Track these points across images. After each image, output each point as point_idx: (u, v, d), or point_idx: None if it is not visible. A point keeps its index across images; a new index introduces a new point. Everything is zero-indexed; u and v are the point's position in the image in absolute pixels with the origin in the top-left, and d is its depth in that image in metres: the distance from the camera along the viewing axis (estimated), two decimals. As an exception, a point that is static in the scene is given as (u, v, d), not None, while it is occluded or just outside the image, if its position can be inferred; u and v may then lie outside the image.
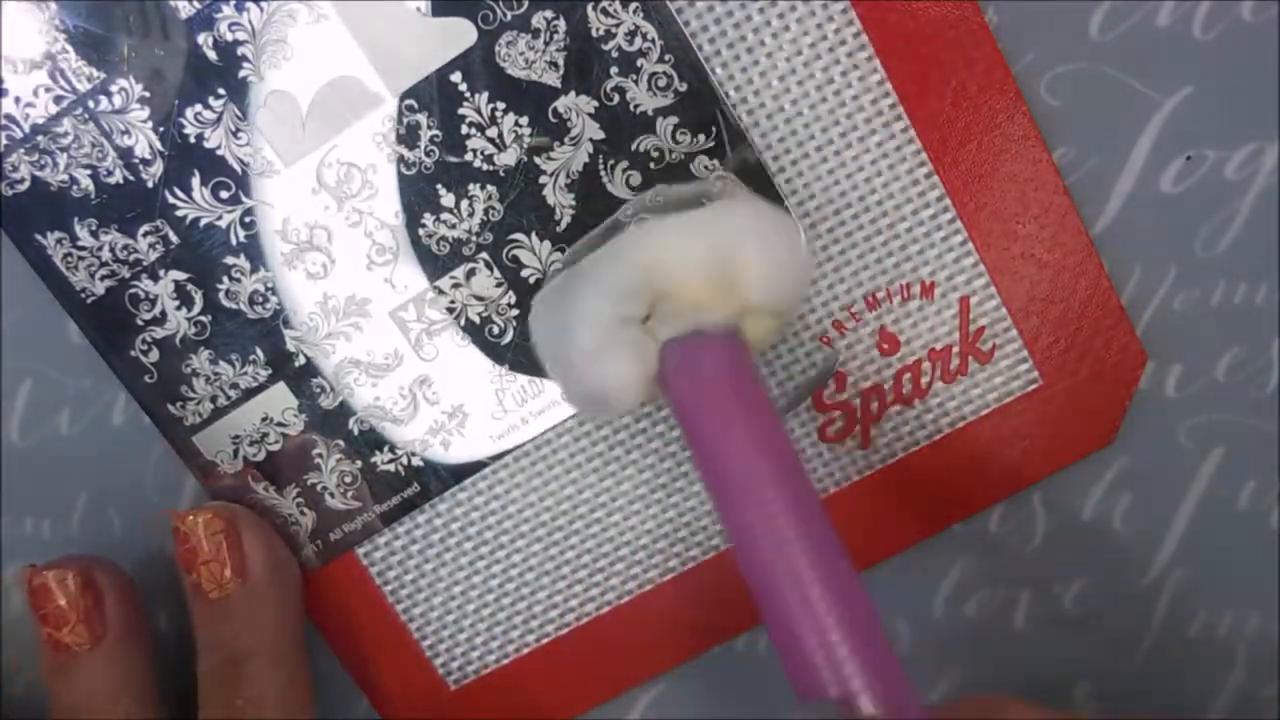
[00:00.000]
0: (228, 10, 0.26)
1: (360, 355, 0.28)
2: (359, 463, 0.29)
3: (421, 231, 0.27)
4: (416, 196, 0.27)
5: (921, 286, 0.28)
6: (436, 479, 0.29)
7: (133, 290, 0.28)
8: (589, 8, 0.26)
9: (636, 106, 0.26)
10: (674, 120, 0.26)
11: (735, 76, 0.26)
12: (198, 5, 0.26)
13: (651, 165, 0.26)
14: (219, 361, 0.28)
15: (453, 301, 0.28)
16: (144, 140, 0.26)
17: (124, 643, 0.27)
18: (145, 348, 0.28)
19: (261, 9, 0.26)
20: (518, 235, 0.27)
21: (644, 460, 0.29)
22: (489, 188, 0.27)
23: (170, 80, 0.26)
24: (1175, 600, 0.31)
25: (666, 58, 0.26)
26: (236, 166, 0.27)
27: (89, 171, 0.27)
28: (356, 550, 0.30)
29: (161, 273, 0.27)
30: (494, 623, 0.30)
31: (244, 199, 0.27)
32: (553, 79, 0.26)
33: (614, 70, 0.26)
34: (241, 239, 0.27)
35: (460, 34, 0.26)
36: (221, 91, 0.26)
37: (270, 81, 0.26)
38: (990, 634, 0.31)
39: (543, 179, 0.27)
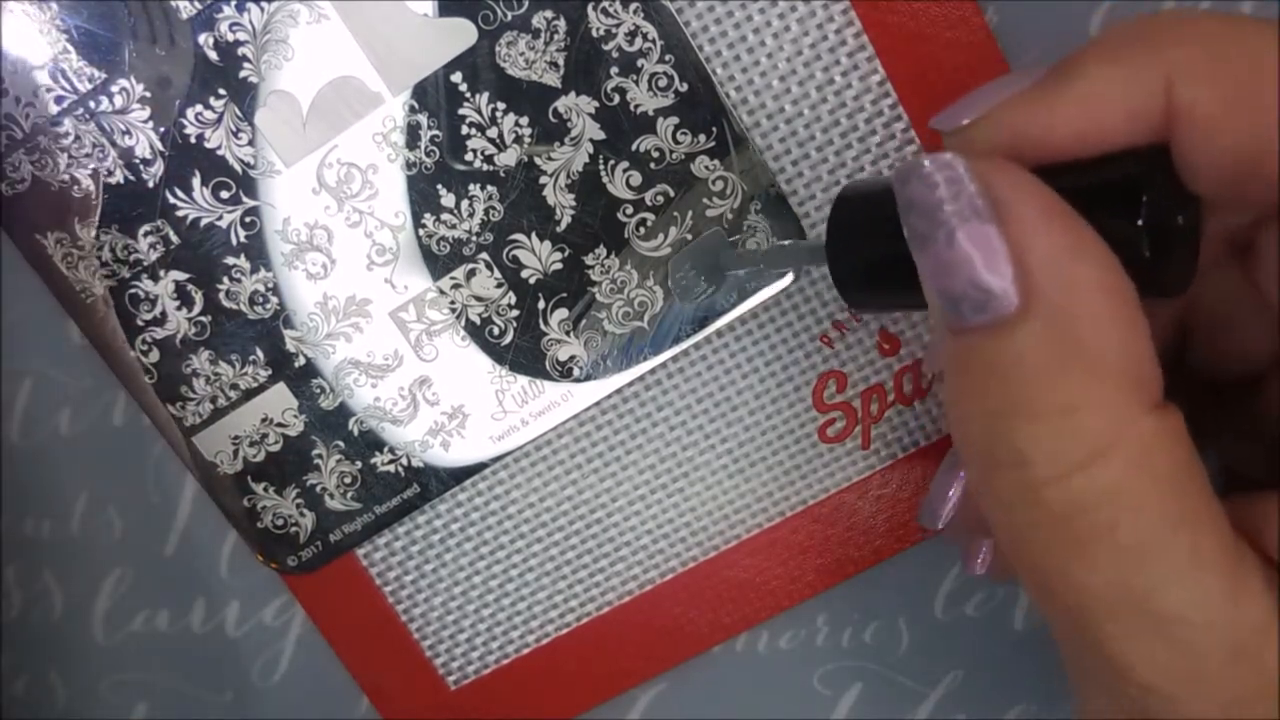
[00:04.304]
0: (229, 10, 0.26)
1: (360, 356, 0.28)
2: (359, 464, 0.29)
3: (422, 232, 0.27)
4: (417, 196, 0.27)
5: (921, 286, 0.28)
6: (436, 480, 0.29)
7: (133, 290, 0.28)
8: (589, 8, 0.26)
9: (637, 106, 0.26)
10: (674, 120, 0.26)
11: (735, 76, 0.26)
12: (199, 6, 0.26)
13: (652, 165, 0.26)
14: (219, 362, 0.28)
15: (453, 302, 0.28)
16: (145, 140, 0.26)
17: None
18: (145, 348, 0.28)
19: (262, 9, 0.26)
20: (518, 235, 0.27)
21: (644, 460, 0.29)
22: (489, 188, 0.27)
23: (171, 80, 0.26)
24: (1175, 600, 0.31)
25: (667, 58, 0.26)
26: (237, 167, 0.27)
27: (89, 171, 0.27)
28: (356, 551, 0.30)
29: (162, 273, 0.27)
30: (494, 623, 0.30)
31: (244, 199, 0.27)
32: (553, 79, 0.26)
33: (614, 70, 0.26)
34: (242, 239, 0.27)
35: (461, 34, 0.26)
36: (222, 92, 0.26)
37: (271, 81, 0.26)
38: (990, 634, 0.31)
39: (543, 179, 0.27)
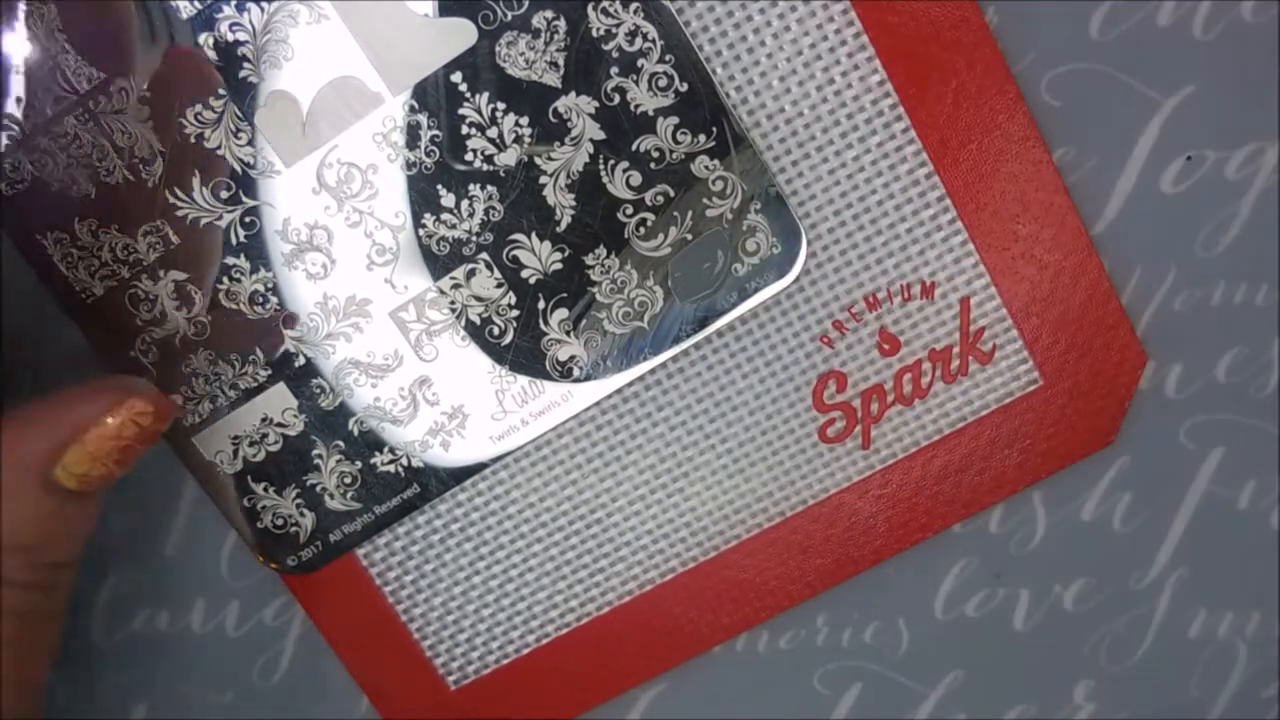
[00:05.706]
0: (229, 10, 0.26)
1: (360, 356, 0.28)
2: (359, 464, 0.29)
3: (422, 232, 0.27)
4: (417, 196, 0.27)
5: (922, 286, 0.28)
6: (436, 480, 0.29)
7: (133, 290, 0.28)
8: (589, 8, 0.26)
9: (637, 106, 0.26)
10: (674, 120, 0.26)
11: (735, 76, 0.26)
12: (199, 5, 0.26)
13: (652, 165, 0.26)
14: (219, 361, 0.28)
15: (453, 302, 0.28)
16: (144, 140, 0.26)
17: None
18: (145, 348, 0.28)
19: (262, 9, 0.26)
20: (518, 235, 0.27)
21: (644, 460, 0.29)
22: (489, 188, 0.27)
23: (171, 81, 0.26)
24: (1175, 600, 0.31)
25: (667, 58, 0.26)
26: (237, 166, 0.27)
27: (89, 171, 0.27)
28: (356, 551, 0.30)
29: (161, 273, 0.27)
30: (494, 623, 0.30)
31: (244, 199, 0.27)
32: (553, 79, 0.26)
33: (614, 70, 0.26)
34: (242, 239, 0.27)
35: (461, 34, 0.26)
36: (222, 91, 0.26)
37: (271, 81, 0.26)
38: (990, 634, 0.31)
39: (543, 179, 0.27)
